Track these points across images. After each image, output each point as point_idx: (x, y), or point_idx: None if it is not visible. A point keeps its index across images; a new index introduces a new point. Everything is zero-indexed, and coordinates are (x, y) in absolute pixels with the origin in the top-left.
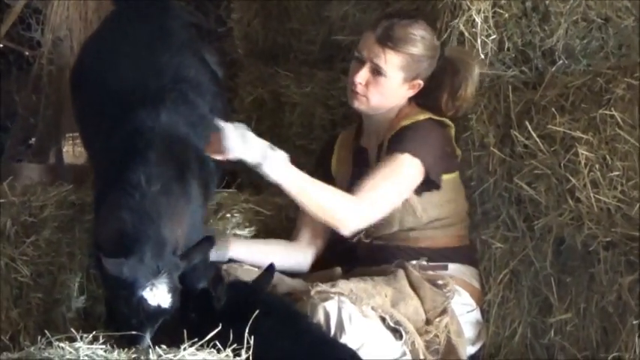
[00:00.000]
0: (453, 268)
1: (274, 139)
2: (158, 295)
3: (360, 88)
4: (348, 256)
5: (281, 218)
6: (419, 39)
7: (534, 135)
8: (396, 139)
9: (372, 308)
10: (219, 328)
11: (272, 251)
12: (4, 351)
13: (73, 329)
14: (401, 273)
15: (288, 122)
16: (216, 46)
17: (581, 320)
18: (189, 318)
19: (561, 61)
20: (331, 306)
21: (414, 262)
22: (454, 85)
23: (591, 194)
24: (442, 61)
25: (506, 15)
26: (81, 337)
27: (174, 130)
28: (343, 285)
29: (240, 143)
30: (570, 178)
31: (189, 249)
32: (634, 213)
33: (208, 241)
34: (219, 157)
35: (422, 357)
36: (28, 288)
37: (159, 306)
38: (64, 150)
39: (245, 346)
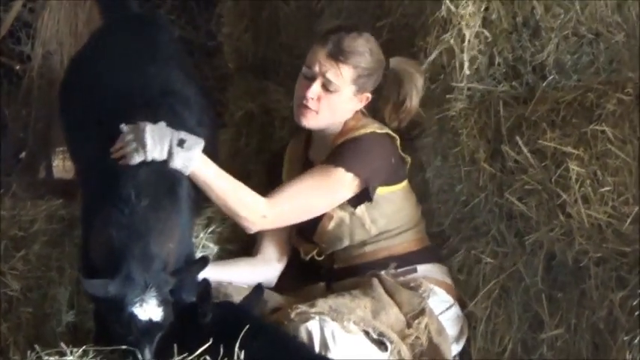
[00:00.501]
0: (422, 269)
1: (264, 154)
2: (148, 309)
3: (311, 103)
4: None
5: None
6: (368, 51)
7: (525, 150)
8: (335, 152)
9: (354, 323)
10: (208, 344)
11: (238, 270)
12: None
13: (62, 344)
14: (375, 282)
15: (278, 137)
16: (206, 60)
17: (572, 336)
18: (175, 332)
19: (552, 77)
20: (313, 326)
21: (383, 271)
22: (399, 97)
23: (582, 210)
24: (387, 72)
25: (497, 30)
26: (71, 352)
27: None
28: (322, 303)
29: (139, 147)
30: (561, 193)
31: (181, 267)
32: (625, 229)
33: (203, 261)
34: (124, 163)
35: None
36: (18, 302)
37: (150, 320)
38: (54, 164)
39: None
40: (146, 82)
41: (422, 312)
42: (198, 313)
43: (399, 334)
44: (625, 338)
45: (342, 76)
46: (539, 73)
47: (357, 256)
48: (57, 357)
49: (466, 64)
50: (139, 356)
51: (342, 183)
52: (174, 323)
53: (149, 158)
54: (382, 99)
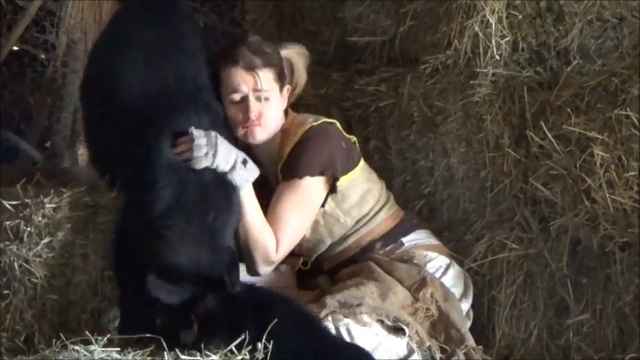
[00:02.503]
0: (407, 239)
1: None
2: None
3: (256, 121)
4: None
5: None
6: (269, 48)
7: (549, 135)
8: (291, 163)
9: (367, 314)
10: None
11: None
12: (19, 354)
13: (87, 331)
14: (372, 264)
15: None
16: None
17: (598, 321)
18: (204, 304)
19: (576, 61)
20: (327, 325)
21: (372, 254)
22: (293, 81)
23: (607, 195)
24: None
25: (521, 15)
26: (96, 340)
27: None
28: (330, 300)
29: (209, 154)
30: (586, 178)
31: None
32: None
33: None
34: (188, 164)
35: (428, 344)
36: (42, 290)
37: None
38: (78, 152)
39: (263, 342)
40: (180, 78)
41: (423, 282)
42: (227, 283)
43: (410, 310)
44: None
45: (266, 80)
46: (564, 58)
47: (342, 251)
48: (82, 345)
49: (491, 50)
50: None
51: (314, 190)
52: (201, 294)
53: (214, 166)
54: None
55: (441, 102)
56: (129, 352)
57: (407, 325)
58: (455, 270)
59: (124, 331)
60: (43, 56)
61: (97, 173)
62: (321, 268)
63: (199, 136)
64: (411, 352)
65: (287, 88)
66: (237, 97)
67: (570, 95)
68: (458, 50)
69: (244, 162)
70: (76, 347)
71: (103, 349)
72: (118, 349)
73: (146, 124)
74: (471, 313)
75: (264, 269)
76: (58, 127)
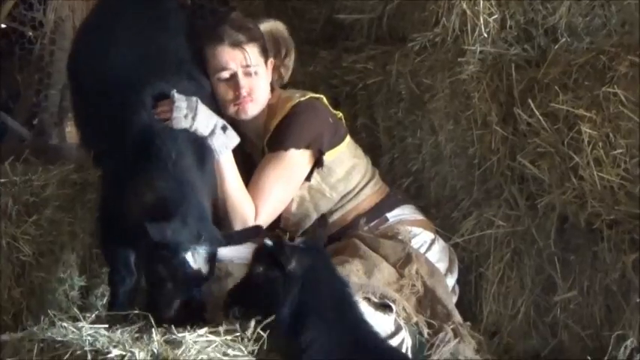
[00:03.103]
0: (392, 215)
1: None
2: (199, 260)
3: (248, 98)
4: None
5: None
6: (250, 22)
7: (537, 113)
8: (277, 135)
9: (354, 292)
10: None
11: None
12: (7, 330)
13: (75, 309)
14: (357, 241)
15: None
16: None
17: (585, 298)
18: (261, 283)
19: (564, 39)
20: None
21: (357, 231)
22: (282, 55)
23: (594, 172)
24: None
25: None
26: (84, 317)
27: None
28: None
29: (189, 116)
30: (573, 156)
31: (233, 232)
32: (637, 191)
33: (254, 230)
34: (167, 124)
35: (415, 319)
36: (30, 267)
37: (199, 271)
38: (66, 130)
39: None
40: (163, 51)
41: (409, 258)
42: (281, 261)
43: (396, 287)
44: (638, 300)
45: (253, 55)
46: (551, 35)
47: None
48: (70, 322)
49: (479, 28)
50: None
51: (299, 163)
52: (259, 275)
53: (194, 129)
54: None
55: (428, 80)
56: (117, 329)
57: (393, 301)
58: (439, 245)
59: (112, 307)
60: (30, 34)
61: (86, 151)
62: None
63: (180, 99)
64: (398, 328)
65: (271, 61)
66: (225, 74)
67: (558, 73)
68: (446, 28)
69: (224, 128)
70: (64, 324)
71: (91, 325)
72: (106, 325)
73: (131, 95)
74: (457, 289)
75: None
76: (45, 105)
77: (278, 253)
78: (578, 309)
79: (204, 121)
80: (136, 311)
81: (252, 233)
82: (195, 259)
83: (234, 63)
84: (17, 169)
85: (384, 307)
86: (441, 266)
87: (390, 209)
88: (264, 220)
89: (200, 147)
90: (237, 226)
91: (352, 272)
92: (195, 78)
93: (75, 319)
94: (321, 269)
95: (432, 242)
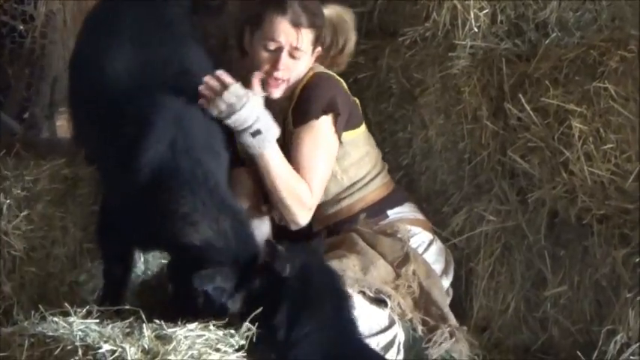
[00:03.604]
0: (392, 212)
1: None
2: (235, 303)
3: (282, 74)
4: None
5: None
6: (319, 9)
7: (528, 108)
8: (301, 109)
9: (349, 285)
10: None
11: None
12: None
13: (66, 303)
14: (355, 236)
15: None
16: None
17: (575, 293)
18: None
19: (555, 34)
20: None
21: (357, 225)
22: (339, 44)
23: (585, 167)
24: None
25: None
26: (74, 312)
27: (204, 122)
28: None
29: (233, 107)
30: (564, 150)
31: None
32: (627, 186)
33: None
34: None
35: (409, 316)
36: (22, 262)
37: (228, 309)
38: (57, 124)
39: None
40: (165, 60)
41: (406, 258)
42: (276, 270)
43: (392, 286)
44: (628, 295)
45: (306, 40)
46: (542, 30)
47: (334, 214)
48: (61, 317)
49: (469, 23)
50: None
51: (331, 128)
52: (257, 286)
53: (231, 120)
54: (323, 47)
55: (419, 74)
56: (108, 324)
57: (389, 297)
58: (437, 246)
59: (103, 302)
60: (21, 27)
61: (79, 147)
62: (310, 227)
63: (235, 90)
64: (392, 323)
65: (318, 50)
66: (272, 45)
67: (549, 68)
68: (436, 22)
69: (258, 132)
70: (55, 319)
71: (82, 320)
72: (97, 320)
73: (129, 102)
74: (451, 291)
75: (304, 217)
76: (36, 99)
77: (273, 262)
78: (568, 304)
79: (245, 116)
80: (127, 306)
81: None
82: (234, 303)
83: (285, 39)
84: (8, 164)
85: (378, 301)
86: (438, 267)
87: (393, 206)
88: (318, 194)
89: (222, 166)
90: (296, 209)
91: (349, 267)
92: (196, 90)
93: (66, 314)
94: (316, 271)
95: (430, 243)
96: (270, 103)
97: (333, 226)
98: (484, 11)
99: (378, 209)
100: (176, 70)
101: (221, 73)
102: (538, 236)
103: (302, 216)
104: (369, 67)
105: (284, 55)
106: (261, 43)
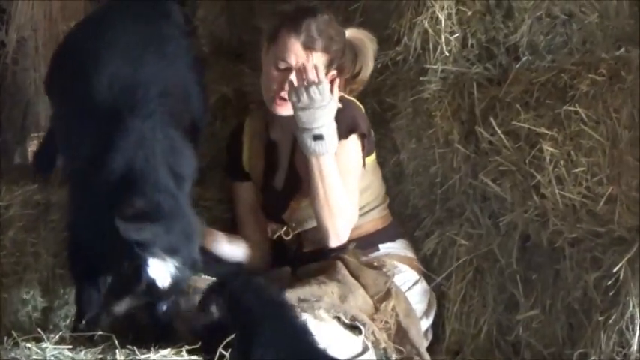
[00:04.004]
0: (384, 247)
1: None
2: (161, 271)
3: (287, 100)
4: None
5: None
6: (337, 34)
7: (499, 131)
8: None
9: (325, 310)
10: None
11: (239, 248)
12: None
13: (39, 329)
14: (340, 264)
15: None
16: None
17: (547, 317)
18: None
19: (525, 57)
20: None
21: (345, 254)
22: (355, 68)
23: (556, 190)
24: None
25: (470, 12)
26: (47, 338)
27: (168, 144)
28: (290, 294)
29: (314, 102)
30: (535, 174)
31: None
32: (599, 209)
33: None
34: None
35: (383, 345)
36: None
37: (153, 282)
38: (29, 150)
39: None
40: (148, 80)
41: (388, 293)
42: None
43: (368, 316)
44: (600, 318)
45: (318, 63)
46: (513, 54)
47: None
48: (34, 343)
49: (440, 47)
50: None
51: (359, 148)
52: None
53: (301, 121)
54: (338, 70)
55: (391, 98)
56: (81, 350)
57: (364, 324)
58: (422, 287)
59: (77, 328)
60: None
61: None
62: (301, 247)
63: (321, 90)
64: (365, 349)
65: (332, 74)
66: (282, 65)
67: (519, 91)
68: (408, 47)
69: (320, 137)
70: (28, 344)
71: (55, 346)
72: (70, 346)
73: (105, 122)
74: (430, 333)
75: (346, 233)
76: (7, 125)
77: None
78: (540, 327)
79: (317, 116)
80: (100, 332)
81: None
82: (158, 268)
83: (295, 60)
84: None
85: (353, 328)
86: (419, 308)
87: (386, 240)
88: (354, 213)
89: (180, 185)
90: (341, 224)
91: (327, 293)
92: (174, 113)
93: (38, 340)
94: (243, 293)
95: (415, 282)
96: (287, 123)
97: (322, 250)
98: (455, 35)
99: (370, 241)
100: (155, 92)
101: (319, 68)
102: (510, 260)
103: (345, 230)
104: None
105: (292, 76)
106: (272, 60)
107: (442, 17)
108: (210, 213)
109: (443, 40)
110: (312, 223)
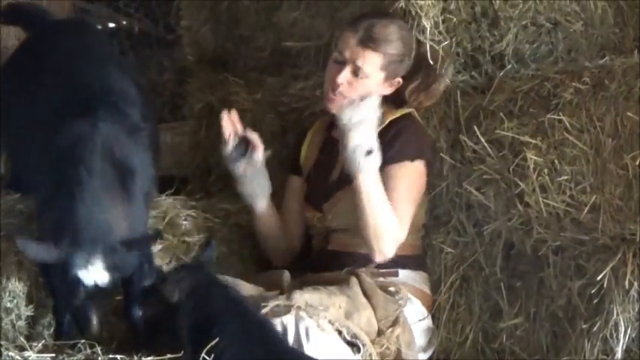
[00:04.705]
0: (403, 274)
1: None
2: (94, 272)
3: (341, 88)
4: (301, 262)
5: (230, 225)
6: (399, 38)
7: (483, 140)
8: (395, 144)
9: (329, 321)
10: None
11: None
12: None
13: (22, 338)
14: (354, 280)
15: None
16: (165, 53)
17: (532, 325)
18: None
19: (510, 66)
20: (289, 320)
21: (363, 268)
22: (428, 80)
23: (540, 199)
24: (417, 55)
25: (456, 20)
26: (30, 346)
27: (112, 137)
28: (299, 297)
29: (352, 120)
30: (519, 182)
31: (131, 238)
32: (583, 217)
33: (155, 234)
34: (333, 111)
35: None
36: None
37: (96, 284)
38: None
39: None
40: (86, 81)
41: (396, 321)
42: (165, 297)
43: (369, 338)
44: (584, 326)
45: (372, 63)
46: (498, 62)
47: (354, 244)
48: (17, 351)
49: (427, 55)
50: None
51: (424, 173)
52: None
53: (345, 139)
54: (408, 82)
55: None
56: (64, 358)
57: (363, 345)
58: (427, 324)
59: (58, 337)
60: None
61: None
62: (327, 244)
63: (375, 101)
64: None
65: (398, 80)
66: (339, 57)
67: (503, 100)
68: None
69: (370, 152)
70: (11, 353)
71: (38, 354)
72: (53, 354)
73: (55, 128)
74: None
75: (392, 249)
76: None
77: (161, 289)
78: (524, 335)
79: (358, 137)
80: (83, 340)
81: (152, 237)
82: (90, 272)
83: (349, 55)
84: None
85: (352, 345)
86: (419, 343)
87: (407, 267)
88: (406, 231)
89: (126, 183)
90: (387, 240)
91: (334, 305)
92: (120, 108)
93: (22, 349)
94: (209, 287)
95: (423, 319)
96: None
97: (346, 255)
98: (443, 44)
99: (393, 263)
100: (97, 91)
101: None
102: (494, 268)
103: (390, 247)
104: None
105: (346, 69)
106: (333, 54)
107: (428, 26)
108: (193, 220)
109: (428, 48)
110: (348, 223)
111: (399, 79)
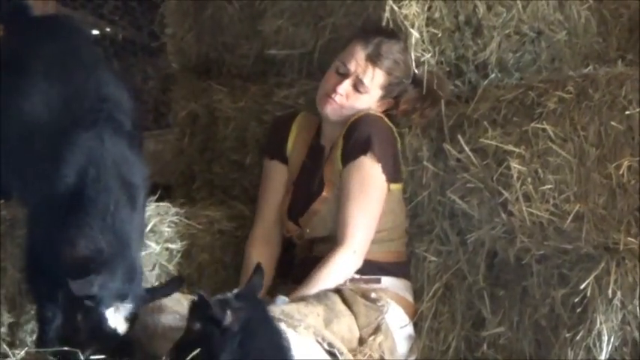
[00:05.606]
0: (386, 280)
1: (208, 153)
2: (118, 319)
3: (338, 98)
4: (283, 269)
5: (213, 232)
6: (403, 61)
7: (466, 149)
8: (353, 139)
9: (306, 330)
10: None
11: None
12: None
13: (4, 345)
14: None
15: (222, 136)
16: (149, 60)
17: (515, 333)
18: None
19: (494, 75)
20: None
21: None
22: (424, 103)
23: (524, 208)
24: (415, 79)
25: (440, 30)
26: (13, 354)
27: (118, 152)
28: (274, 308)
29: None
30: (503, 191)
31: (157, 286)
32: (566, 226)
33: (178, 281)
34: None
35: None
36: None
37: (114, 330)
38: None
39: None
40: (81, 91)
41: (378, 328)
42: (216, 316)
43: (349, 346)
44: (567, 335)
45: (375, 79)
46: (482, 71)
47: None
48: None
49: (412, 64)
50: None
51: (374, 168)
52: (196, 332)
53: None
54: (401, 101)
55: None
56: None
57: (341, 353)
58: (408, 332)
59: (41, 344)
60: None
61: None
62: (310, 252)
63: None
64: None
65: (389, 101)
66: (342, 68)
67: (487, 109)
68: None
69: None
70: None
71: None
72: None
73: (50, 138)
74: None
75: (354, 266)
76: None
77: (211, 309)
78: (507, 344)
79: None
80: (66, 348)
81: (176, 285)
82: (115, 317)
83: (354, 68)
84: None
85: (331, 354)
86: (401, 350)
87: (390, 275)
88: (363, 235)
89: (133, 196)
90: (345, 271)
91: (312, 313)
92: (115, 117)
93: (4, 356)
94: (258, 321)
95: (405, 326)
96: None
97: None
98: (426, 54)
99: (376, 269)
100: (92, 99)
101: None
102: (477, 277)
103: (351, 267)
104: (310, 108)
105: (347, 81)
106: (335, 64)
107: (413, 35)
108: (176, 227)
109: (412, 57)
110: (327, 231)
111: (391, 100)
